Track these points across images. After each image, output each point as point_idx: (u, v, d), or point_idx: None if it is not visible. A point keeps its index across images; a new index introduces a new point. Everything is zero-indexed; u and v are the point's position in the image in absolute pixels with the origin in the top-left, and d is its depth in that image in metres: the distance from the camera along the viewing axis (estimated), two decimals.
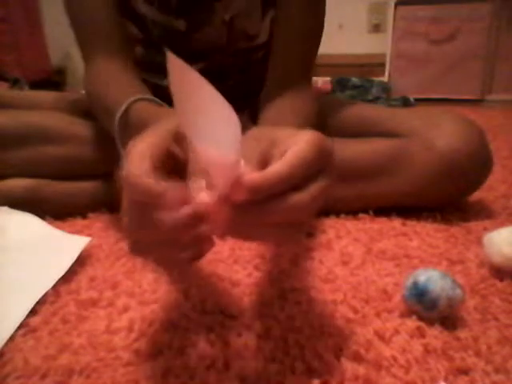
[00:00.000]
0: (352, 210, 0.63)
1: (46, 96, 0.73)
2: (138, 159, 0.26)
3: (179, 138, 0.29)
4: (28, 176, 0.63)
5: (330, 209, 0.63)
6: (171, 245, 0.26)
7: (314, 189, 0.26)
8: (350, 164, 0.61)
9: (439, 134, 0.59)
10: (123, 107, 0.45)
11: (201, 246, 0.26)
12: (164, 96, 0.38)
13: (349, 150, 0.62)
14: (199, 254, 0.26)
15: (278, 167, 0.25)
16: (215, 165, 0.23)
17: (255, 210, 0.25)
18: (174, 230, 0.24)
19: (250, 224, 0.26)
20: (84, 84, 0.57)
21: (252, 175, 0.24)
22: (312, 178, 0.26)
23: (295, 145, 0.26)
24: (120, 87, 0.52)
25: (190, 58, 0.24)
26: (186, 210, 0.24)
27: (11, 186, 0.62)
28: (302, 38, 0.57)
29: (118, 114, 0.46)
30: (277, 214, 0.25)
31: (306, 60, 0.59)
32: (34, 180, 0.63)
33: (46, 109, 0.69)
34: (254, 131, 0.34)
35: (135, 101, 0.46)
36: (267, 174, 0.25)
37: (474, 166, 0.59)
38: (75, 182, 0.66)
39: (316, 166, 0.26)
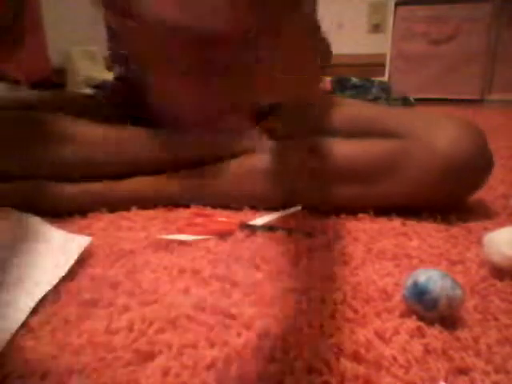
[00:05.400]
0: (352, 211, 0.63)
1: (45, 95, 0.73)
2: None
3: None
4: (30, 177, 0.63)
5: (330, 209, 0.63)
6: None
7: None
8: (350, 164, 0.61)
9: (441, 135, 0.58)
10: None
11: None
12: None
13: (348, 150, 0.62)
14: None
15: None
16: None
17: None
18: None
19: None
20: None
21: None
22: None
23: None
24: None
25: None
26: None
27: (16, 188, 0.62)
28: None
29: None
30: None
31: None
32: (38, 181, 0.63)
33: (47, 107, 0.69)
34: None
35: None
36: None
37: (475, 167, 0.59)
38: (77, 185, 0.66)
39: None
